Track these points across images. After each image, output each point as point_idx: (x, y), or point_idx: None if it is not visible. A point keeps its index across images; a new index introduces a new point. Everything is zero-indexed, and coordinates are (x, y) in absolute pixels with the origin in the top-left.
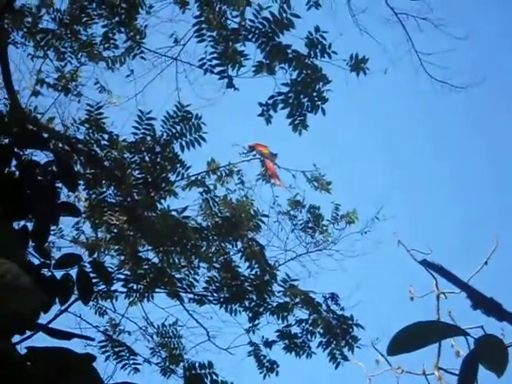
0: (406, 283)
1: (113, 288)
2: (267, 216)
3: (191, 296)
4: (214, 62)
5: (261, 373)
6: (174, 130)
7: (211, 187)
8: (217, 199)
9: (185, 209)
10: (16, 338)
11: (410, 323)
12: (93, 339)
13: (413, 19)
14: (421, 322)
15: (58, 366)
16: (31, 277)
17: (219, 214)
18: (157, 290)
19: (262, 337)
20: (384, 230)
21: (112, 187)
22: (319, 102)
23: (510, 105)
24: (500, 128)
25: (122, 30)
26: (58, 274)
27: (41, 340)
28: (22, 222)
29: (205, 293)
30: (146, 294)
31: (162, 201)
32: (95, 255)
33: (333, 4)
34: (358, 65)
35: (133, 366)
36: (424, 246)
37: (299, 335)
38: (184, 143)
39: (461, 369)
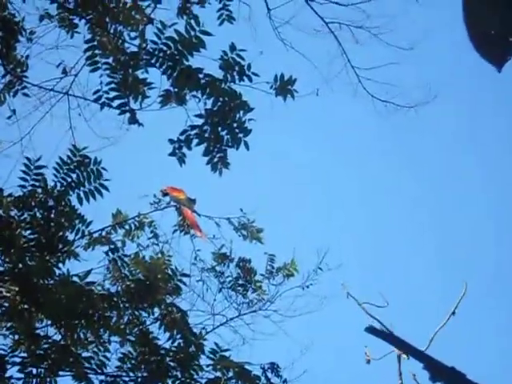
0: (360, 344)
1: (7, 374)
2: (188, 276)
3: (102, 378)
4: (112, 93)
5: None
6: (69, 179)
7: (119, 244)
8: (126, 258)
9: (88, 273)
10: None
11: None
12: None
13: (346, 29)
14: None
15: None
16: None
17: (130, 277)
18: (61, 372)
19: None
20: (330, 282)
21: None
22: (241, 135)
23: (468, 124)
24: (457, 154)
25: None
26: None
27: None
28: None
29: (119, 373)
30: (49, 379)
31: (60, 265)
32: None
33: (251, 17)
34: (284, 87)
35: None
36: (379, 298)
37: None
38: (82, 194)
39: None
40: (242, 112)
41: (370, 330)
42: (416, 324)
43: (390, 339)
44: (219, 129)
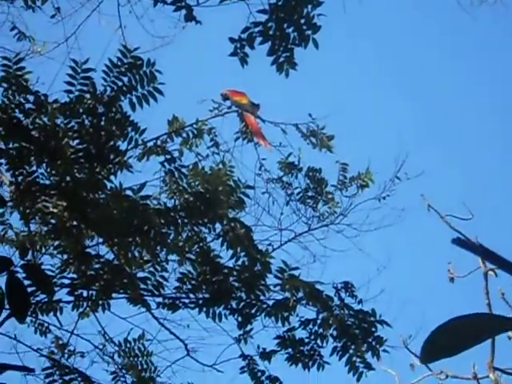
0: (443, 260)
1: (56, 297)
2: (252, 187)
3: (160, 300)
4: None
5: None
6: (120, 83)
7: (175, 154)
8: (184, 169)
9: (143, 185)
10: None
11: (449, 315)
12: (32, 370)
13: None
14: (460, 318)
15: None
16: None
17: (189, 189)
18: (114, 295)
19: (258, 346)
20: (409, 192)
21: (44, 164)
22: (309, 32)
23: None
24: None
25: None
26: None
27: None
28: None
29: (178, 294)
30: (101, 302)
31: (112, 177)
32: (29, 256)
33: None
34: None
35: None
36: (463, 209)
37: (306, 341)
38: (135, 99)
39: None
40: (310, 6)
41: (458, 241)
42: (505, 239)
43: (482, 252)
44: (285, 25)
